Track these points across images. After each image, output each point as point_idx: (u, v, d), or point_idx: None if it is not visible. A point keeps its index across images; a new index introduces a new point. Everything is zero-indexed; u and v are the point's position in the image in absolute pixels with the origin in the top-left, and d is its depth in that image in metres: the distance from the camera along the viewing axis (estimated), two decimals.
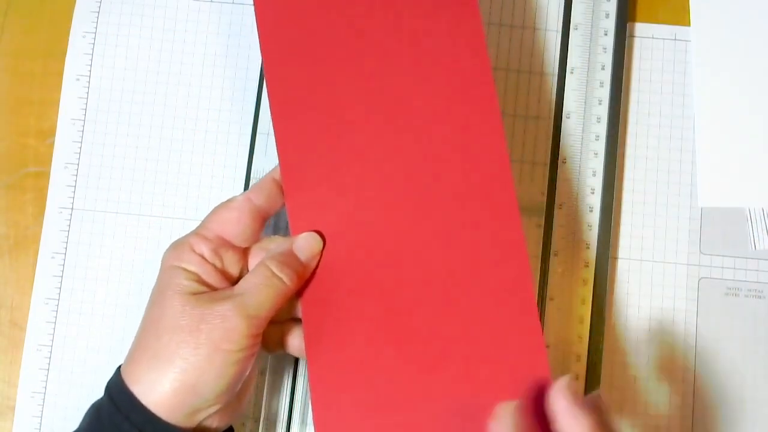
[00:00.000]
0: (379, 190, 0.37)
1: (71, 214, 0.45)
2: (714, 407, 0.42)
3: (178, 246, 0.36)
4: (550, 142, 0.43)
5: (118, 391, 0.34)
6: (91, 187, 0.45)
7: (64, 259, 0.45)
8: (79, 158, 0.45)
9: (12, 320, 0.44)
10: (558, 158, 0.43)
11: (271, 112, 0.37)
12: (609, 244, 0.42)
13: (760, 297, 0.43)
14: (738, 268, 0.43)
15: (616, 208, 0.44)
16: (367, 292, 0.36)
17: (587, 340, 0.41)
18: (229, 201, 0.37)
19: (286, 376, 0.42)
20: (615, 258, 0.43)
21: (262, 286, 0.35)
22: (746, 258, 0.43)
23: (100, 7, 0.47)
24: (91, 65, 0.46)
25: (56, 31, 0.47)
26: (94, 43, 0.46)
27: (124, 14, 0.47)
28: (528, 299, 0.36)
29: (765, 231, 0.43)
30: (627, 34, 0.45)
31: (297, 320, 0.38)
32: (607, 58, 0.44)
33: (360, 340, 0.35)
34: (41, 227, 0.45)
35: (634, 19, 0.46)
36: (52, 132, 0.46)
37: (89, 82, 0.46)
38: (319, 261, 0.36)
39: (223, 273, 0.36)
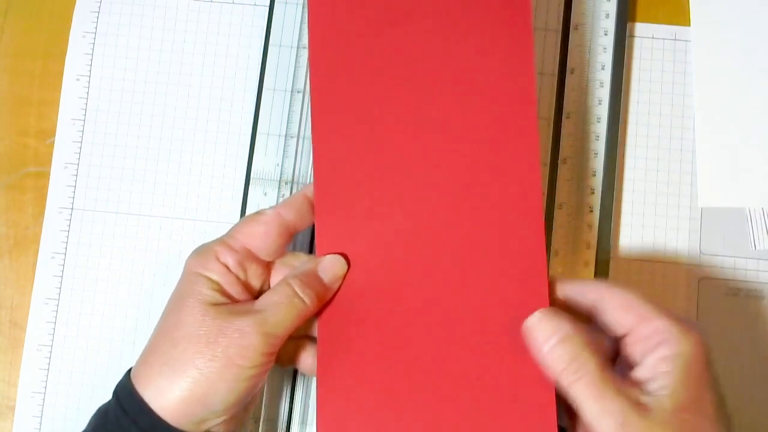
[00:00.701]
0: (409, 218, 0.36)
1: (71, 214, 0.45)
2: None
3: (203, 253, 0.36)
4: (550, 142, 0.43)
5: (126, 395, 0.34)
6: (91, 187, 0.45)
7: (64, 259, 0.45)
8: (79, 158, 0.45)
9: (12, 320, 0.44)
10: (558, 158, 0.43)
11: (312, 131, 0.37)
12: (609, 244, 0.42)
13: (760, 297, 0.43)
14: (738, 268, 0.43)
15: (616, 208, 0.44)
16: (386, 319, 0.36)
17: None
18: (258, 214, 0.37)
19: (286, 377, 0.42)
20: (615, 258, 0.43)
21: (283, 304, 0.34)
22: (746, 258, 0.43)
23: (100, 7, 0.47)
24: (91, 65, 0.46)
25: (56, 31, 0.47)
26: (94, 43, 0.46)
27: (124, 14, 0.47)
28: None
29: (765, 231, 0.43)
30: (627, 34, 0.45)
31: (312, 338, 0.37)
32: (607, 58, 0.44)
33: (373, 368, 0.35)
34: (41, 227, 0.45)
35: (634, 19, 0.46)
36: (52, 132, 0.46)
37: (89, 82, 0.46)
38: (342, 283, 0.36)
39: (245, 285, 0.36)
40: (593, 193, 0.43)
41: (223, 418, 0.34)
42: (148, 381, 0.34)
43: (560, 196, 0.43)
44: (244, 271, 0.36)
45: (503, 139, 0.37)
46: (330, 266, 0.36)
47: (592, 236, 0.42)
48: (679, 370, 0.31)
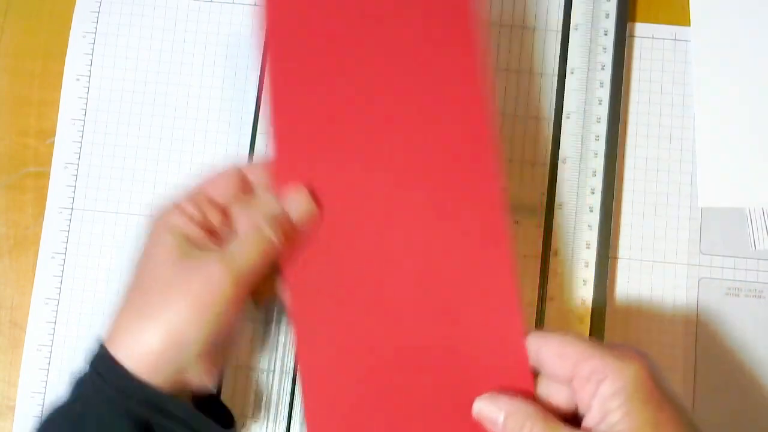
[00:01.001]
0: (369, 186, 0.36)
1: (71, 214, 0.45)
2: (714, 407, 0.42)
3: (164, 208, 0.36)
4: (550, 142, 0.43)
5: (99, 358, 0.34)
6: (91, 187, 0.45)
7: (64, 259, 0.45)
8: (79, 158, 0.45)
9: (12, 320, 0.44)
10: (558, 158, 0.43)
11: (270, 109, 0.37)
12: (609, 244, 0.42)
13: (760, 297, 0.43)
14: (738, 268, 0.43)
15: (616, 208, 0.44)
16: (355, 286, 0.36)
17: None
18: (220, 167, 0.38)
19: (286, 376, 0.42)
20: (615, 258, 0.43)
21: (250, 243, 0.35)
22: (746, 258, 0.43)
23: (100, 7, 0.47)
24: (91, 65, 0.46)
25: (56, 31, 0.47)
26: (94, 43, 0.46)
27: (124, 14, 0.47)
28: (510, 299, 0.35)
29: (765, 231, 0.43)
30: (627, 34, 0.45)
31: None
32: (607, 58, 0.44)
33: (351, 339, 0.36)
34: (41, 227, 0.45)
35: (634, 19, 0.46)
36: (52, 132, 0.46)
37: (89, 82, 0.46)
38: (308, 251, 0.36)
39: (209, 230, 0.36)
40: (593, 193, 0.43)
41: (199, 364, 0.34)
42: (119, 341, 0.34)
43: (560, 196, 0.43)
44: (204, 215, 0.36)
45: (459, 138, 0.37)
46: (296, 202, 0.36)
47: (592, 236, 0.42)
48: (627, 403, 0.31)
